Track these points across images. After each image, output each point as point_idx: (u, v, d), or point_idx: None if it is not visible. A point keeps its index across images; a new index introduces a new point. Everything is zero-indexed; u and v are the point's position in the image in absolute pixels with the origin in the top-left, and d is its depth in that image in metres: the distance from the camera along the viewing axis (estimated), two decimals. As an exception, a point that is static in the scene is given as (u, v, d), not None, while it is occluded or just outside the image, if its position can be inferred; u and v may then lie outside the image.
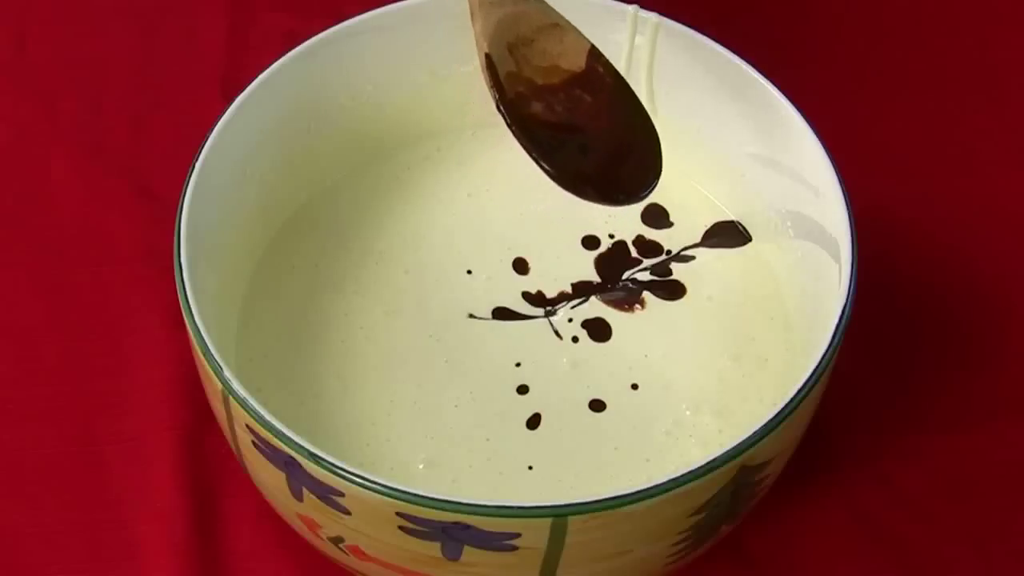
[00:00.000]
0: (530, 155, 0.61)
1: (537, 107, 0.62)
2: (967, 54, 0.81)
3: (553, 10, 0.64)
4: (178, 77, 0.79)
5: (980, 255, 0.74)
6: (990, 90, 0.80)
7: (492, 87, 0.61)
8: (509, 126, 0.61)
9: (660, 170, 0.62)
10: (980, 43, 0.82)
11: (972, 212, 0.75)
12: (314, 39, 0.67)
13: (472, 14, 0.62)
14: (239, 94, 0.65)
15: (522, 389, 0.65)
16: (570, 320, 0.67)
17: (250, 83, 0.65)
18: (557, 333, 0.66)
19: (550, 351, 0.66)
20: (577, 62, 0.63)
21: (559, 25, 0.63)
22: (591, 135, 0.62)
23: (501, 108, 0.61)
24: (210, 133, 0.63)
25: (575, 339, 0.66)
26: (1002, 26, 0.82)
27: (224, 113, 0.64)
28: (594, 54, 0.63)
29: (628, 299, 0.67)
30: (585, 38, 0.64)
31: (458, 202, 0.70)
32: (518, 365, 0.65)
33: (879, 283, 0.69)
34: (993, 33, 0.82)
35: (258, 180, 0.67)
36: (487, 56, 0.61)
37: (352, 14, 0.68)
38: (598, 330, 0.66)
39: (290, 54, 0.66)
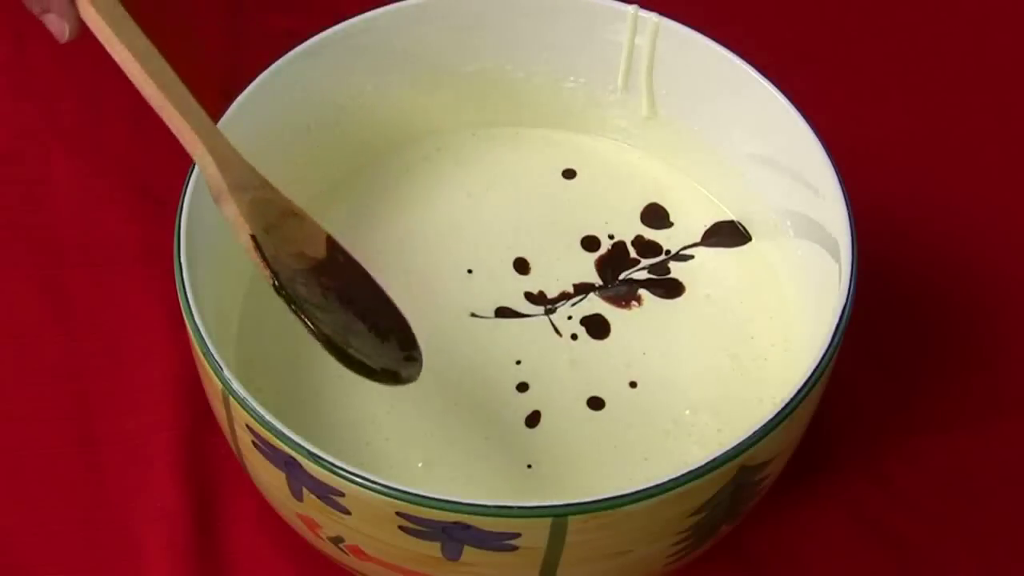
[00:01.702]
0: (316, 338, 0.59)
1: (301, 290, 0.60)
2: (967, 54, 0.81)
3: (289, 200, 0.62)
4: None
5: (980, 255, 0.74)
6: (990, 90, 0.80)
7: (265, 268, 0.60)
8: (289, 305, 0.59)
9: (417, 351, 0.61)
10: (980, 43, 0.82)
11: (972, 212, 0.75)
12: (314, 39, 0.67)
13: (220, 199, 0.61)
14: (239, 94, 0.65)
15: (522, 387, 0.65)
16: (569, 318, 0.67)
17: (250, 83, 0.65)
18: (557, 331, 0.66)
19: (550, 349, 0.66)
20: (319, 249, 0.62)
21: (296, 213, 0.62)
22: (348, 318, 0.61)
23: (279, 288, 0.59)
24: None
25: (574, 336, 0.66)
26: (1002, 26, 0.82)
27: (224, 113, 0.64)
28: (331, 242, 0.63)
29: (626, 296, 0.67)
30: (321, 228, 0.63)
31: (458, 202, 0.70)
32: (518, 363, 0.65)
33: (879, 283, 0.69)
34: (993, 33, 0.82)
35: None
36: (252, 237, 0.60)
37: (352, 14, 0.67)
38: (597, 328, 0.66)
39: (290, 54, 0.66)
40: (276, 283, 0.60)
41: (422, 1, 0.68)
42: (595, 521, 0.55)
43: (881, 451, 0.68)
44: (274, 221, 0.62)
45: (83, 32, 0.63)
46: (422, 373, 0.64)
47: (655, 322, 0.67)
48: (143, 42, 0.62)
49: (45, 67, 0.79)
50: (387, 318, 0.62)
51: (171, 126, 0.61)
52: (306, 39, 0.67)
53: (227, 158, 0.61)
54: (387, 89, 0.70)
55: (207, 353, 0.58)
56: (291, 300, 0.59)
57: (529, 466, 0.63)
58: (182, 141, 0.61)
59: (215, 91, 0.77)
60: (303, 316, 0.59)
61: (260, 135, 0.66)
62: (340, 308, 0.61)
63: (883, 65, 0.81)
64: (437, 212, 0.69)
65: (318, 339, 0.59)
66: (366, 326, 0.61)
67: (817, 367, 0.58)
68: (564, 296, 0.67)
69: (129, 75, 0.62)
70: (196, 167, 0.62)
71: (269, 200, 0.62)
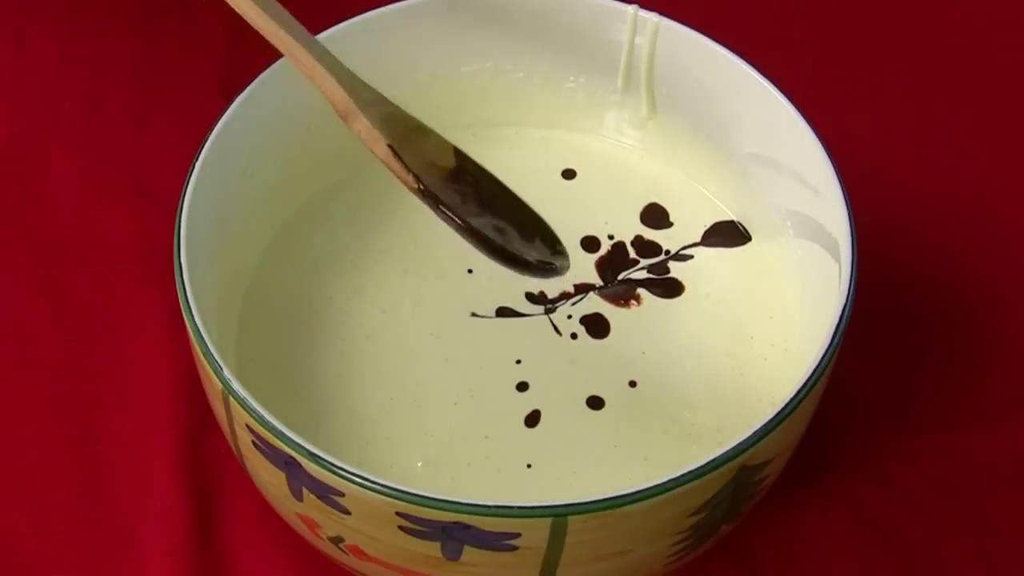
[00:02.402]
0: (462, 234, 0.60)
1: (442, 196, 0.61)
2: (967, 54, 0.81)
3: (412, 116, 0.63)
4: (178, 77, 0.79)
5: (980, 255, 0.74)
6: (991, 90, 0.80)
7: (407, 174, 0.60)
8: (437, 210, 0.61)
9: (560, 251, 0.62)
10: (980, 43, 0.82)
11: (972, 212, 0.75)
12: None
13: (349, 116, 0.61)
14: (239, 94, 0.65)
15: (521, 386, 0.65)
16: (569, 317, 0.67)
17: (250, 83, 0.65)
18: (557, 330, 0.66)
19: (550, 348, 0.66)
20: (448, 160, 0.63)
21: (421, 127, 0.63)
22: (494, 217, 0.62)
23: (422, 190, 0.60)
24: (210, 133, 0.63)
25: (574, 336, 0.66)
26: (1002, 26, 0.82)
27: (224, 113, 0.64)
28: (459, 154, 0.63)
29: (625, 295, 0.67)
30: (447, 140, 0.63)
31: (458, 202, 0.70)
32: (518, 362, 0.65)
33: (879, 283, 0.69)
34: (993, 33, 0.82)
35: (258, 180, 0.67)
36: (390, 147, 0.61)
37: (352, 14, 0.68)
38: (597, 327, 0.66)
39: (290, 54, 0.66)
40: (420, 186, 0.60)
41: (422, 1, 0.68)
42: (595, 521, 0.55)
43: (881, 451, 0.68)
44: (403, 134, 0.62)
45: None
46: (422, 371, 0.64)
47: (655, 322, 0.67)
48: None
49: (45, 67, 0.79)
50: (526, 217, 0.63)
51: (285, 52, 0.62)
52: (306, 39, 0.67)
53: (347, 77, 0.62)
54: (387, 89, 0.70)
55: (207, 353, 0.58)
56: (438, 201, 0.60)
57: (529, 465, 0.63)
58: (299, 66, 0.62)
59: (215, 91, 0.77)
60: (453, 214, 0.60)
61: (260, 135, 0.66)
62: (481, 211, 0.62)
63: (883, 65, 0.81)
64: (437, 212, 0.69)
65: (471, 236, 0.60)
66: (510, 225, 0.62)
67: (817, 367, 0.58)
68: (564, 296, 0.67)
69: (233, 5, 0.62)
70: (196, 167, 0.62)
71: (394, 115, 0.62)
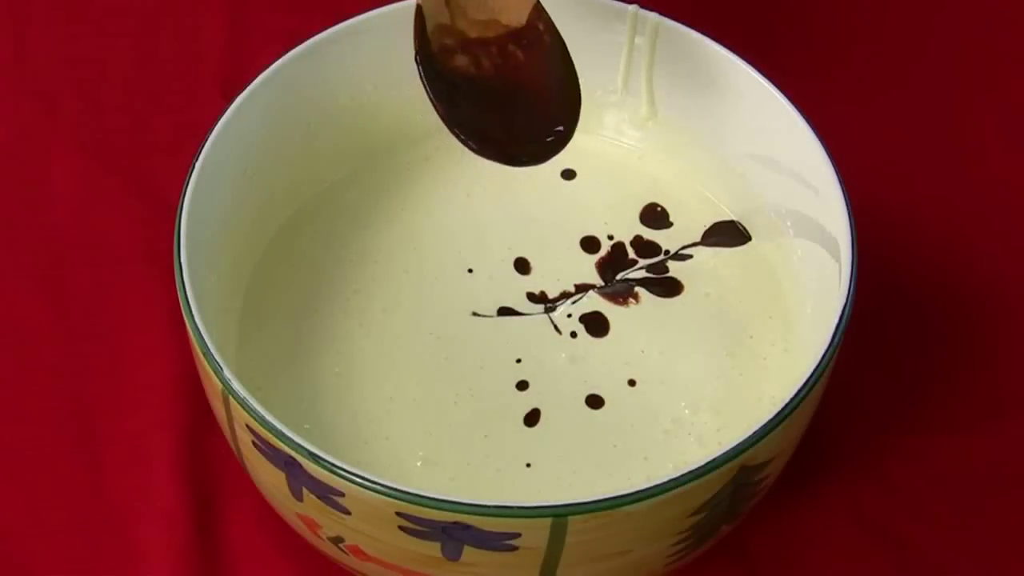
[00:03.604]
0: (439, 114, 0.61)
1: (461, 60, 0.61)
2: (967, 53, 0.81)
3: None
4: (178, 77, 0.79)
5: (980, 255, 0.74)
6: (991, 90, 0.80)
7: (415, 38, 0.61)
8: (422, 79, 0.61)
9: (570, 135, 0.62)
10: (980, 42, 0.82)
11: (972, 212, 0.75)
12: (314, 39, 0.67)
13: None
14: (239, 94, 0.65)
15: (521, 385, 0.65)
16: (569, 316, 0.67)
17: (250, 83, 0.65)
18: (557, 328, 0.66)
19: (549, 347, 0.66)
20: (518, 17, 0.63)
21: None
22: (511, 91, 0.62)
23: (417, 59, 0.61)
24: (210, 133, 0.63)
25: (573, 334, 0.66)
26: (1002, 25, 0.82)
27: (224, 113, 0.64)
28: (538, 10, 0.63)
29: (624, 293, 0.67)
30: None
31: (457, 202, 0.70)
32: (518, 361, 0.65)
33: (879, 283, 0.69)
34: (993, 32, 0.82)
35: (258, 180, 0.67)
36: (418, 7, 0.61)
37: (352, 14, 0.68)
38: (596, 326, 0.66)
39: (290, 54, 0.66)
40: (416, 55, 0.61)
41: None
42: (595, 521, 0.55)
43: (881, 451, 0.68)
44: None
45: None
46: (421, 370, 0.64)
47: (654, 321, 0.67)
48: None
49: (45, 67, 0.79)
50: (554, 96, 0.62)
51: None
52: (306, 39, 0.67)
53: None
54: (387, 89, 0.70)
55: (207, 353, 0.58)
56: (420, 73, 0.61)
57: (528, 465, 0.63)
58: None
59: (215, 91, 0.77)
60: (426, 87, 0.60)
61: (260, 135, 0.66)
62: (506, 80, 0.62)
63: (883, 65, 0.81)
64: (437, 212, 0.69)
65: (436, 111, 0.60)
66: (526, 101, 0.62)
67: (817, 367, 0.58)
68: (564, 295, 0.67)
69: None
70: (196, 167, 0.62)
71: None
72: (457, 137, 0.61)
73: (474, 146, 0.61)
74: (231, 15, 0.81)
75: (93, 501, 0.66)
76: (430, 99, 0.61)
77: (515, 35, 0.63)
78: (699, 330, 0.66)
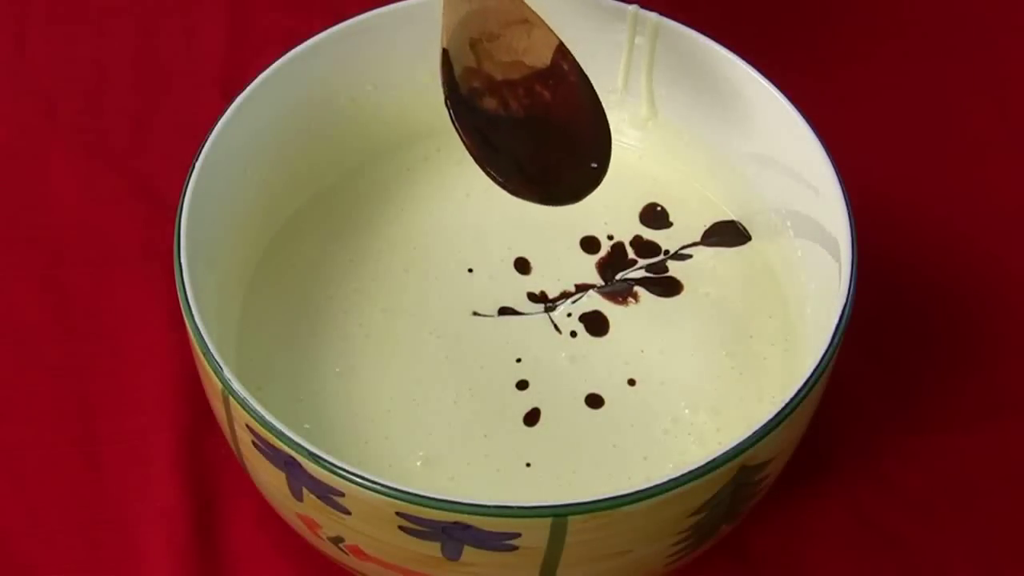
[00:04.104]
0: (473, 156, 0.61)
1: (490, 102, 0.62)
2: (967, 53, 0.81)
3: (524, 5, 0.64)
4: (178, 77, 0.79)
5: (980, 255, 0.74)
6: (991, 90, 0.80)
7: (444, 83, 0.61)
8: (453, 123, 0.61)
9: (605, 171, 0.62)
10: (980, 42, 0.82)
11: (972, 212, 0.75)
12: (314, 39, 0.67)
13: (442, 9, 0.62)
14: (239, 94, 0.65)
15: (521, 385, 0.65)
16: (568, 315, 0.67)
17: (250, 83, 0.65)
18: (556, 328, 0.66)
19: (549, 346, 0.66)
20: (542, 58, 0.63)
21: (528, 20, 0.63)
22: (542, 131, 0.62)
23: (448, 103, 0.61)
24: (210, 133, 0.63)
25: (573, 334, 0.66)
26: (1002, 25, 0.82)
27: (224, 113, 0.64)
28: (561, 51, 0.63)
29: (623, 292, 0.67)
30: (554, 34, 0.64)
31: (457, 202, 0.70)
32: (518, 361, 0.65)
33: (879, 283, 0.69)
34: (993, 32, 0.82)
35: (258, 180, 0.67)
36: (444, 51, 0.61)
37: (352, 14, 0.68)
38: (596, 325, 0.66)
39: (290, 54, 0.66)
40: (446, 99, 0.61)
41: (422, 1, 0.68)
42: (595, 521, 0.55)
43: (881, 451, 0.68)
44: (495, 30, 0.63)
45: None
46: (421, 370, 0.64)
47: (654, 320, 0.67)
48: None
49: (45, 67, 0.79)
50: (585, 135, 0.63)
51: None
52: (306, 39, 0.67)
53: None
54: (387, 89, 0.70)
55: (207, 353, 0.58)
56: (453, 118, 0.61)
57: (528, 464, 0.63)
58: None
59: (215, 91, 0.77)
60: (459, 131, 0.60)
61: (260, 135, 0.66)
62: (536, 120, 0.62)
63: (883, 65, 0.81)
64: (437, 212, 0.69)
65: (469, 152, 0.60)
66: (558, 141, 0.62)
67: (817, 367, 0.58)
68: (564, 295, 0.67)
69: None
70: (196, 167, 0.62)
71: (495, 9, 0.63)
72: (492, 178, 0.61)
73: (510, 187, 0.61)
74: (231, 15, 0.81)
75: (93, 501, 0.66)
76: (463, 141, 0.61)
77: (541, 75, 0.63)
78: (699, 330, 0.66)
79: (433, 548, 0.56)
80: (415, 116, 0.70)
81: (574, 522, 0.55)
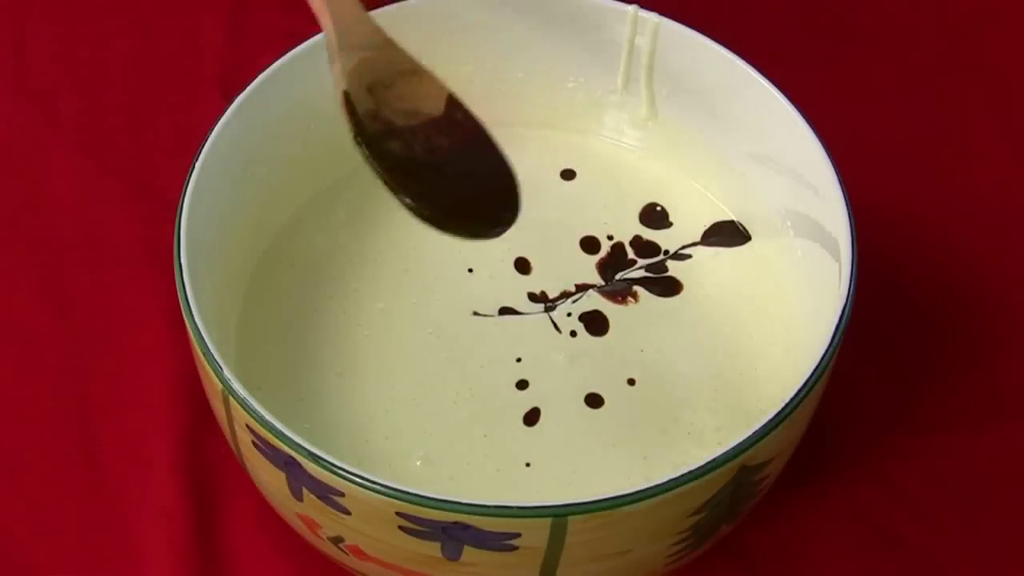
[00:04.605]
0: (389, 188, 0.60)
1: (395, 145, 0.61)
2: (967, 53, 0.81)
3: (413, 58, 0.64)
4: (178, 77, 0.79)
5: (980, 255, 0.74)
6: (991, 89, 0.80)
7: (349, 122, 0.61)
8: (367, 159, 0.61)
9: (516, 212, 0.61)
10: (980, 42, 0.82)
11: (972, 211, 0.75)
12: (314, 39, 0.67)
13: (331, 56, 0.62)
14: (239, 94, 0.65)
15: (521, 384, 0.65)
16: (568, 314, 0.67)
17: (250, 83, 0.65)
18: (556, 327, 0.66)
19: (549, 346, 0.66)
20: (436, 107, 0.63)
21: (416, 71, 0.63)
22: (449, 175, 0.62)
23: (358, 140, 0.61)
24: (210, 133, 0.63)
25: (573, 333, 0.66)
26: (1002, 25, 0.82)
27: (224, 113, 0.64)
28: (452, 101, 0.63)
29: (622, 291, 0.67)
30: (444, 85, 0.63)
31: (458, 202, 0.70)
32: (518, 360, 0.65)
33: (879, 283, 0.69)
34: (993, 33, 0.82)
35: (258, 180, 0.67)
36: (344, 93, 0.61)
37: (352, 14, 0.67)
38: (596, 324, 0.66)
39: (290, 54, 0.66)
40: (356, 137, 0.61)
41: (422, 1, 0.68)
42: (595, 521, 0.55)
43: (881, 451, 0.68)
44: (387, 80, 0.63)
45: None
46: (421, 370, 0.64)
47: (653, 320, 0.67)
48: None
49: (45, 67, 0.79)
50: (489, 175, 0.62)
51: None
52: (306, 39, 0.67)
53: (345, 16, 0.63)
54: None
55: (207, 353, 0.58)
56: (366, 155, 0.60)
57: (528, 464, 0.63)
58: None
59: (215, 91, 0.77)
60: (375, 167, 0.60)
61: (260, 135, 0.66)
62: (442, 163, 0.62)
63: (883, 65, 0.81)
64: (437, 212, 0.69)
65: (393, 194, 0.60)
66: (464, 182, 0.62)
67: (817, 367, 0.58)
68: (564, 295, 0.67)
69: None
70: (196, 167, 0.62)
71: (386, 60, 0.63)
72: (405, 205, 0.60)
73: (425, 213, 0.60)
74: (231, 15, 0.81)
75: (93, 501, 0.66)
76: (377, 174, 0.60)
77: (436, 123, 0.63)
78: (699, 330, 0.66)
79: (433, 548, 0.56)
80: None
81: (574, 522, 0.55)
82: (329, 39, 0.63)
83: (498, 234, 0.61)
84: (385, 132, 0.62)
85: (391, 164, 0.61)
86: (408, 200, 0.60)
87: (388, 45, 0.63)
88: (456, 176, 0.62)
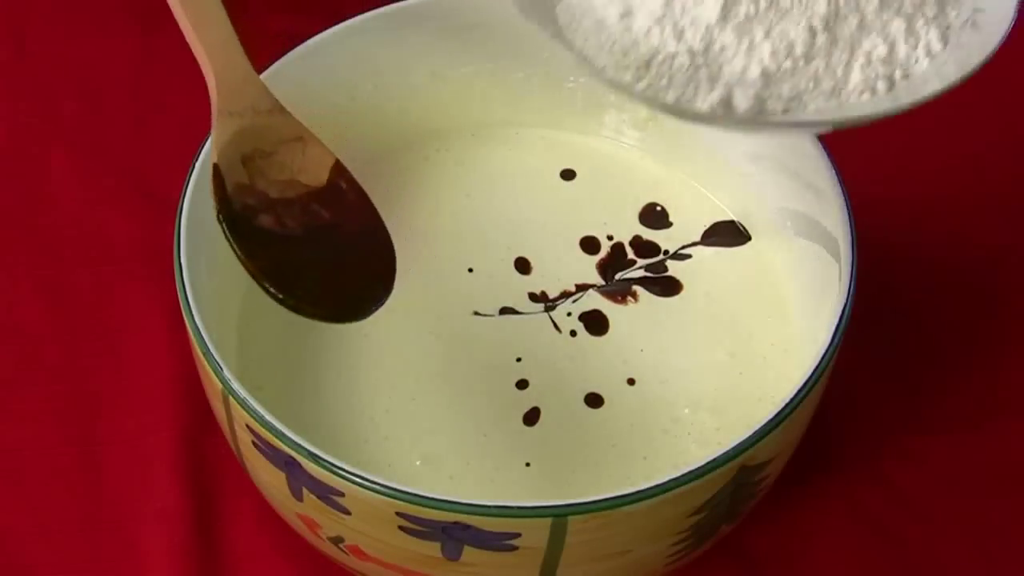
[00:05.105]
0: (249, 273, 0.59)
1: (266, 220, 0.60)
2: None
3: (300, 124, 0.63)
4: (178, 77, 0.79)
5: (980, 255, 0.74)
6: (990, 89, 0.80)
7: (214, 197, 0.60)
8: (227, 238, 0.59)
9: (390, 289, 0.60)
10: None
11: (972, 211, 0.75)
12: (314, 39, 0.67)
13: (212, 114, 0.61)
14: (239, 94, 0.65)
15: (521, 384, 0.65)
16: (568, 314, 0.67)
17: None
18: (556, 327, 0.66)
19: (549, 345, 0.66)
20: (319, 177, 0.62)
21: (303, 138, 0.62)
22: (322, 248, 0.61)
23: (220, 219, 0.59)
24: (210, 133, 0.63)
25: (573, 333, 0.66)
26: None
27: (224, 113, 0.64)
28: (338, 168, 0.62)
29: (622, 291, 0.67)
30: (330, 152, 0.63)
31: (458, 202, 0.70)
32: (518, 360, 0.65)
33: (879, 282, 0.69)
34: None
35: (258, 180, 0.67)
36: (215, 166, 0.60)
37: (352, 14, 0.67)
38: (595, 324, 0.66)
39: (290, 54, 0.66)
40: (218, 215, 0.60)
41: (422, 1, 0.68)
42: (595, 521, 0.55)
43: (881, 451, 0.68)
44: (267, 148, 0.61)
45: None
46: (421, 369, 0.64)
47: (653, 319, 0.67)
48: None
49: (45, 67, 0.79)
50: (368, 248, 0.61)
51: (188, 42, 0.61)
52: (306, 39, 0.67)
53: (231, 76, 0.61)
54: (387, 89, 0.70)
55: (207, 353, 0.58)
56: (225, 232, 0.59)
57: (527, 464, 0.63)
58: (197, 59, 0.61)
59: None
60: (235, 250, 0.59)
61: (260, 135, 0.66)
62: (317, 238, 0.61)
63: (883, 65, 0.80)
64: (437, 212, 0.69)
65: (246, 269, 0.59)
66: (339, 258, 0.61)
67: (817, 367, 0.58)
68: (565, 294, 0.67)
69: None
70: (196, 167, 0.62)
71: (268, 127, 0.62)
72: (270, 294, 0.59)
73: (290, 303, 0.59)
74: (231, 15, 0.80)
75: (93, 501, 0.66)
76: (238, 256, 0.59)
77: (317, 194, 0.62)
78: (699, 330, 0.66)
79: (433, 548, 0.56)
80: (415, 116, 0.70)
81: (574, 522, 0.55)
82: (212, 102, 0.61)
83: (367, 315, 0.60)
84: (256, 206, 0.60)
85: (256, 244, 0.59)
86: (270, 288, 0.59)
87: (276, 110, 0.62)
88: (331, 252, 0.61)
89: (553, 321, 0.67)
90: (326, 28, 0.67)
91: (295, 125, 0.63)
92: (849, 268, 0.60)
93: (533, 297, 0.67)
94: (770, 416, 0.56)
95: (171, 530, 0.65)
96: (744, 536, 0.65)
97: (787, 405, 0.57)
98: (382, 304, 0.60)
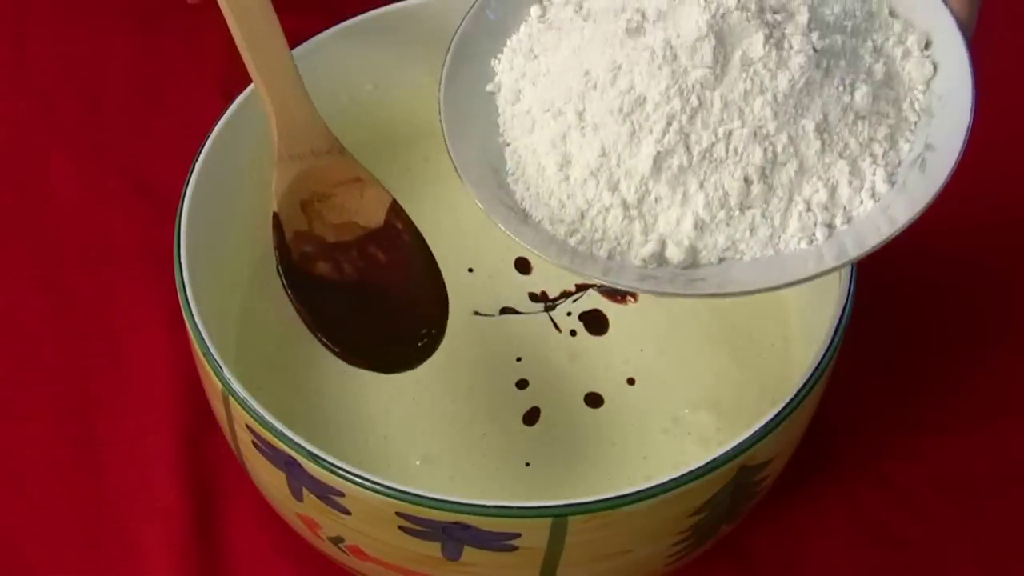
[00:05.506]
0: (309, 328, 0.59)
1: (323, 267, 0.60)
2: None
3: (358, 164, 0.63)
4: (178, 77, 0.79)
5: (980, 255, 0.74)
6: (990, 89, 0.80)
7: (276, 249, 0.60)
8: (285, 290, 0.60)
9: (441, 337, 0.60)
10: (979, 42, 0.81)
11: (972, 211, 0.75)
12: (314, 39, 0.67)
13: (273, 155, 0.61)
14: (239, 94, 0.65)
15: (521, 384, 0.65)
16: (568, 314, 0.67)
17: (250, 83, 0.65)
18: (556, 327, 0.66)
19: (549, 345, 0.66)
20: (376, 218, 0.62)
21: (361, 179, 0.62)
22: (376, 296, 0.61)
23: (280, 271, 0.60)
24: (210, 133, 0.63)
25: (573, 332, 0.66)
26: (1002, 24, 0.82)
27: (224, 113, 0.64)
28: (395, 209, 0.62)
29: (621, 291, 0.67)
30: (387, 192, 0.63)
31: (457, 202, 0.70)
32: (519, 360, 0.65)
33: (879, 283, 0.69)
34: (993, 32, 0.82)
35: (258, 180, 0.66)
36: (275, 215, 0.60)
37: (352, 14, 0.68)
38: (595, 323, 0.66)
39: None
40: (278, 266, 0.60)
41: (422, 1, 0.68)
42: (595, 521, 0.55)
43: (881, 451, 0.68)
44: (326, 190, 0.62)
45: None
46: (421, 369, 0.64)
47: (653, 319, 0.67)
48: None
49: (45, 67, 0.79)
50: (420, 290, 0.61)
51: (255, 85, 0.62)
52: (306, 39, 0.67)
53: (293, 118, 0.61)
54: (387, 89, 0.70)
55: (207, 353, 0.58)
56: (285, 285, 0.60)
57: (527, 464, 0.63)
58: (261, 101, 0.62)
59: (215, 91, 0.77)
60: (293, 301, 0.59)
61: (260, 135, 0.66)
62: (370, 282, 0.61)
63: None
64: (437, 212, 0.69)
65: (303, 320, 0.59)
66: (391, 302, 0.61)
67: (817, 367, 0.58)
68: (565, 294, 0.67)
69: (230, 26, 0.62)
70: (196, 167, 0.62)
71: (327, 168, 0.62)
72: (325, 346, 0.59)
73: (342, 352, 0.59)
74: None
75: (93, 501, 0.66)
76: (295, 307, 0.59)
77: (374, 236, 0.62)
78: (699, 329, 0.66)
79: (433, 548, 0.56)
80: (415, 116, 0.70)
81: (574, 522, 0.55)
82: (273, 148, 0.61)
83: (417, 365, 0.59)
84: (313, 254, 0.61)
85: (312, 293, 0.59)
86: (324, 339, 0.59)
87: (335, 150, 0.62)
88: (385, 298, 0.61)
89: (553, 321, 0.67)
90: (326, 28, 0.67)
91: (352, 165, 0.62)
92: (849, 268, 0.60)
93: (533, 297, 0.67)
94: (770, 416, 0.56)
95: (171, 530, 0.65)
96: (744, 536, 0.65)
97: (787, 405, 0.57)
98: (433, 351, 0.59)
